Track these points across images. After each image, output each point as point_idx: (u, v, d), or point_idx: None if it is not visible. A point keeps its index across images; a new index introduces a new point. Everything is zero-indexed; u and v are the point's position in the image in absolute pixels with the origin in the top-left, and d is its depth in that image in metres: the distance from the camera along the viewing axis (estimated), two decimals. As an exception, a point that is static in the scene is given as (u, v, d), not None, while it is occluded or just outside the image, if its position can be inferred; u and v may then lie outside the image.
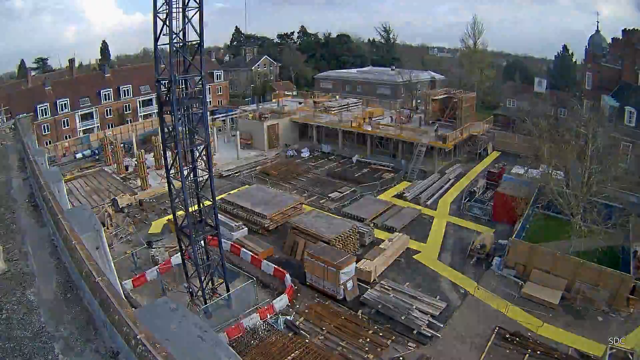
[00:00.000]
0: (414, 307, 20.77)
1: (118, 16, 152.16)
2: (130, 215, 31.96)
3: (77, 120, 53.73)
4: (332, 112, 50.70)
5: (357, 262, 23.81)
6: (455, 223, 30.17)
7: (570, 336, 19.11)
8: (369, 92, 64.94)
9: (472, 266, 24.82)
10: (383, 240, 26.84)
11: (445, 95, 46.97)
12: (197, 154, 19.06)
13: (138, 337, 4.34)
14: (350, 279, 22.31)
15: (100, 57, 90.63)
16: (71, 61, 65.60)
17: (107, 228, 28.15)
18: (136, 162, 37.31)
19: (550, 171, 25.61)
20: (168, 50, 16.90)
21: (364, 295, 21.91)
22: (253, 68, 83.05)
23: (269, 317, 20.46)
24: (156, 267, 24.31)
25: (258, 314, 20.36)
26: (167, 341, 4.77)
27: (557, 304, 20.96)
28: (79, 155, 46.13)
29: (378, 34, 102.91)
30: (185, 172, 18.60)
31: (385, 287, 22.47)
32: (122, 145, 43.44)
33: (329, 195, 35.15)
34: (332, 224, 26.76)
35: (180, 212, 19.85)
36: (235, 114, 53.44)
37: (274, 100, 59.83)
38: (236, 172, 41.06)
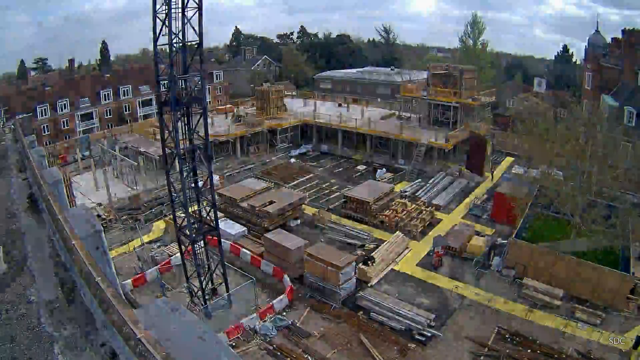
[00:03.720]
0: (413, 308, 20.77)
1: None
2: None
3: (77, 121, 53.71)
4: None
5: (357, 262, 23.87)
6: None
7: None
8: (368, 92, 64.97)
9: (471, 266, 24.80)
10: (383, 241, 26.86)
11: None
12: (197, 153, 19.08)
13: (138, 337, 4.35)
14: (350, 280, 22.34)
15: (99, 57, 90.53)
16: (71, 61, 65.69)
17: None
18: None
19: (550, 171, 25.60)
20: (167, 50, 16.91)
21: (362, 298, 21.81)
22: (253, 68, 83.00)
23: (265, 320, 20.44)
24: (156, 267, 24.32)
25: (258, 314, 20.37)
26: (167, 341, 4.77)
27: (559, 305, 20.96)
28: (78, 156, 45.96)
29: (378, 34, 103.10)
30: (185, 173, 18.61)
31: (385, 287, 22.46)
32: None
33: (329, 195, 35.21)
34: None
35: (180, 213, 19.88)
36: None
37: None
38: (237, 171, 41.15)
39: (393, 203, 31.42)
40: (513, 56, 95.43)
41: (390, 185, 34.40)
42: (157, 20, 16.58)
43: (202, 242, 20.35)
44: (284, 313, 21.05)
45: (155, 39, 16.90)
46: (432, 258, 25.05)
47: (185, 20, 16.69)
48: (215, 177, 34.37)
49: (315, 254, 22.65)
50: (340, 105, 56.50)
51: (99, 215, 29.77)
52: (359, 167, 41.84)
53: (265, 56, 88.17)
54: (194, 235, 19.39)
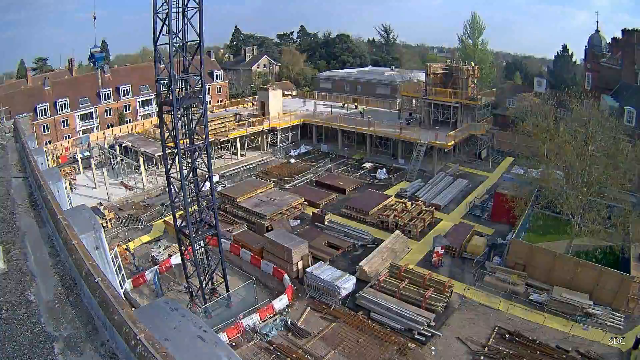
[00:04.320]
0: (412, 309, 20.77)
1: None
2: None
3: (77, 120, 53.69)
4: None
5: (357, 262, 23.90)
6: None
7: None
8: (368, 92, 64.89)
9: (471, 266, 24.80)
10: (383, 240, 26.84)
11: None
12: (197, 154, 19.08)
13: (138, 337, 4.35)
14: (350, 281, 22.38)
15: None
16: (70, 61, 65.52)
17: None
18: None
19: (550, 171, 25.56)
20: (168, 50, 16.91)
21: (360, 299, 21.72)
22: (253, 68, 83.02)
23: (265, 319, 20.44)
24: (156, 267, 24.32)
25: (258, 314, 20.37)
26: (167, 341, 4.77)
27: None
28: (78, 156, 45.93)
29: (378, 33, 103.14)
30: (185, 173, 18.62)
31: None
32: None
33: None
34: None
35: (180, 213, 19.90)
36: None
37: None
38: (237, 171, 41.20)
39: (392, 205, 31.43)
40: (513, 56, 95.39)
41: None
42: (158, 19, 16.58)
43: (201, 242, 20.37)
44: (284, 313, 21.05)
45: (156, 39, 16.90)
46: (432, 258, 25.04)
47: (186, 20, 16.69)
48: (216, 177, 34.49)
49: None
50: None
51: (98, 214, 29.81)
52: (364, 165, 41.65)
53: (265, 56, 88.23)
54: (193, 235, 19.39)
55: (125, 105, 58.58)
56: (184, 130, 18.47)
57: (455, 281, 23.11)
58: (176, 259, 24.00)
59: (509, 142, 43.93)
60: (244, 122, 47.12)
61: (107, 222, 29.59)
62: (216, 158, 42.17)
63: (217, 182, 35.91)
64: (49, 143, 48.28)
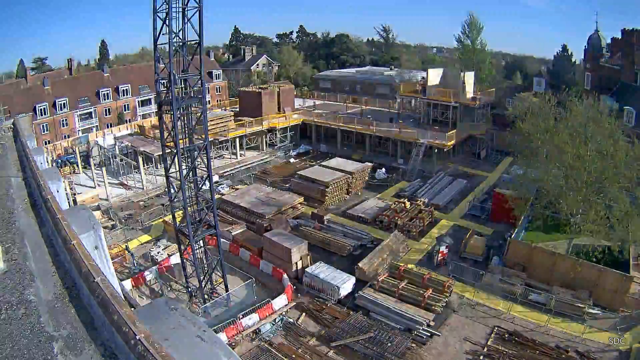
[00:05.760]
0: (411, 309, 20.77)
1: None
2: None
3: (76, 120, 53.65)
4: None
5: (357, 261, 23.88)
6: (456, 224, 30.16)
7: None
8: (367, 92, 64.90)
9: (470, 266, 24.79)
10: (382, 240, 26.84)
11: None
12: (197, 154, 19.08)
13: (138, 337, 4.34)
14: (349, 280, 22.37)
15: (99, 57, 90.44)
16: (70, 61, 65.57)
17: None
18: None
19: (549, 171, 25.57)
20: (167, 49, 16.91)
21: (360, 299, 21.70)
22: (252, 68, 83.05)
23: (264, 319, 20.42)
24: (155, 267, 24.30)
25: (257, 313, 20.36)
26: (167, 341, 4.77)
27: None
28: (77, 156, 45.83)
29: (377, 33, 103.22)
30: (184, 172, 18.62)
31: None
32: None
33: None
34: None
35: (179, 212, 19.90)
36: None
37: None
38: (235, 171, 41.23)
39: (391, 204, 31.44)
40: (512, 56, 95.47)
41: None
42: (158, 19, 16.57)
43: (201, 242, 20.37)
44: (283, 312, 21.05)
45: (156, 38, 16.90)
46: (434, 257, 25.01)
47: (186, 20, 16.69)
48: (215, 177, 34.46)
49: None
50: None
51: (99, 209, 29.77)
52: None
53: (264, 56, 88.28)
54: (192, 235, 19.39)
55: (125, 105, 58.58)
56: (183, 130, 18.47)
57: (455, 281, 23.11)
58: (176, 259, 23.97)
59: (508, 142, 43.85)
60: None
61: (106, 222, 29.55)
62: (215, 158, 42.19)
63: (217, 182, 35.93)
64: (49, 143, 48.25)
